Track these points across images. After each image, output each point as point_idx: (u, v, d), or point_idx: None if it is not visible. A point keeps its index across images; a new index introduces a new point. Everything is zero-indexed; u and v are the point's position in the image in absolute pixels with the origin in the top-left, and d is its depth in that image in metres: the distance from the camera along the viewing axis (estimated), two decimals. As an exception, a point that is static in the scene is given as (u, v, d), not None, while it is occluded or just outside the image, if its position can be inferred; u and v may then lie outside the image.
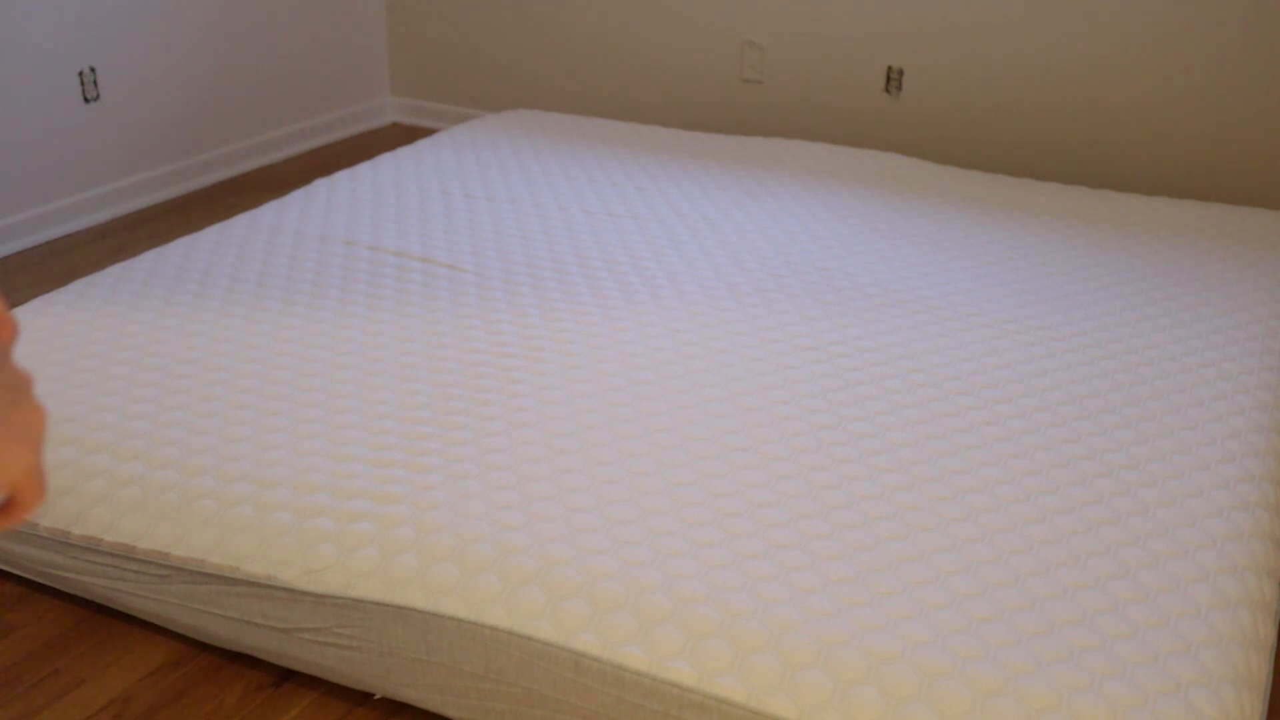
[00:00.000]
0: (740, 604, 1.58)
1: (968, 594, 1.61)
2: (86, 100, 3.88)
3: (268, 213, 2.94)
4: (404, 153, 3.43)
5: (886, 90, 4.10)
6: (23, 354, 2.19)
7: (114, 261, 3.54)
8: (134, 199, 4.13)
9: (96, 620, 2.01)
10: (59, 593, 2.06)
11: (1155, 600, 1.60)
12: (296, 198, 3.05)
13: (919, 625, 1.55)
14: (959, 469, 1.90)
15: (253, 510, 1.81)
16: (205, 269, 2.59)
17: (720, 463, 1.90)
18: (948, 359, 2.25)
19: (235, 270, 2.59)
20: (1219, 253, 2.80)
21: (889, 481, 1.86)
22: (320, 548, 1.74)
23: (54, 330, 2.29)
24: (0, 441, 0.81)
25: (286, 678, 1.89)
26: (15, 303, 3.20)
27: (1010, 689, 1.45)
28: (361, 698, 1.84)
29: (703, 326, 2.36)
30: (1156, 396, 2.13)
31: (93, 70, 3.88)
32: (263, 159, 4.60)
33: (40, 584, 2.07)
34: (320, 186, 3.14)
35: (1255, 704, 1.49)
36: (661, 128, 3.78)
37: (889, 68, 4.07)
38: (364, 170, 3.28)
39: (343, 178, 3.21)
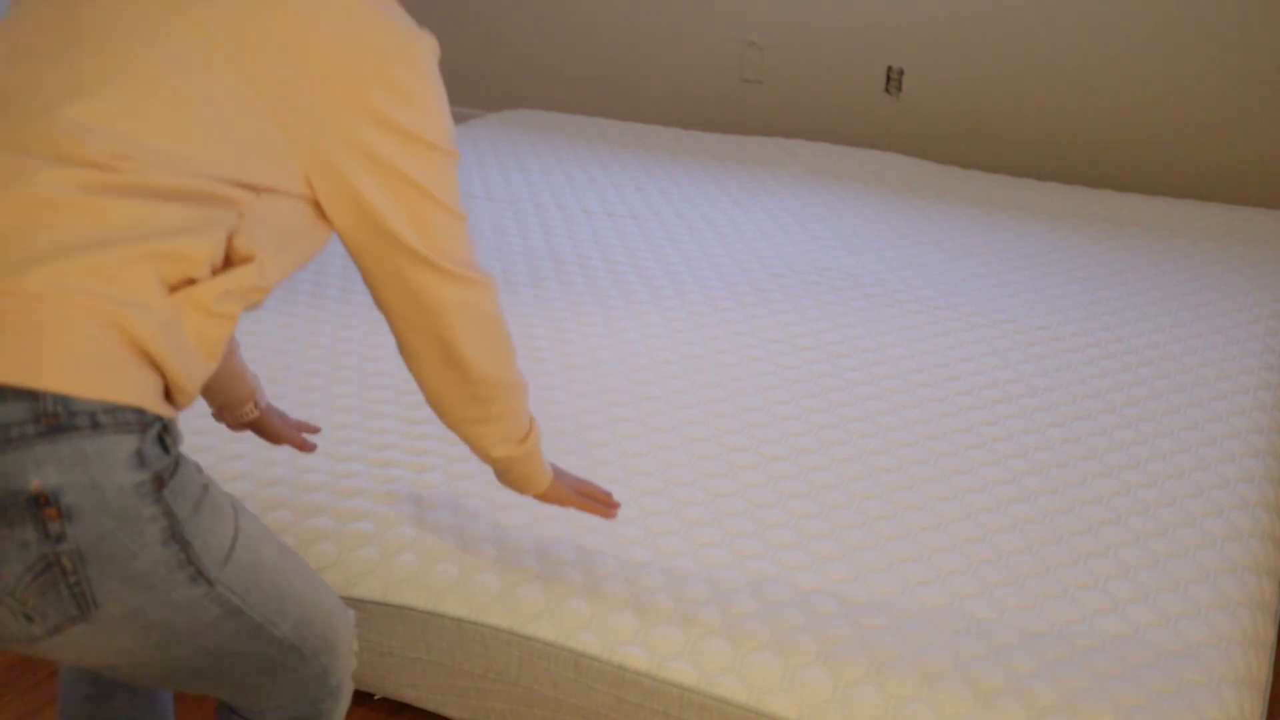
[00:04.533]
0: (741, 604, 1.58)
1: (968, 594, 1.61)
2: (86, 100, 3.88)
3: (268, 212, 2.94)
4: (404, 153, 3.43)
5: (886, 90, 4.10)
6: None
7: (114, 261, 3.53)
8: (134, 199, 4.12)
9: (96, 620, 2.01)
10: (59, 592, 2.06)
11: (1155, 600, 1.60)
12: (296, 197, 3.05)
13: (920, 625, 1.55)
14: (959, 469, 1.90)
15: (252, 509, 1.81)
16: (205, 269, 2.59)
17: (720, 463, 1.90)
18: (948, 359, 2.25)
19: (235, 270, 2.59)
20: (1219, 253, 2.80)
21: (889, 481, 1.86)
22: (320, 546, 1.73)
23: (54, 330, 2.29)
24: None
25: (286, 677, 1.89)
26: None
27: (1011, 689, 1.45)
28: (362, 698, 1.84)
29: (703, 326, 2.36)
30: (1156, 396, 2.13)
31: (92, 70, 3.87)
32: (262, 159, 4.60)
33: (40, 584, 2.07)
34: (320, 186, 3.14)
35: (1255, 704, 1.49)
36: (661, 128, 3.78)
37: (889, 68, 4.07)
38: (364, 170, 3.27)
39: (343, 177, 3.21)
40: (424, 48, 1.07)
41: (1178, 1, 3.62)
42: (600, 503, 1.50)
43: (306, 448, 1.55)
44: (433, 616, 1.65)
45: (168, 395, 1.02)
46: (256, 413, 1.49)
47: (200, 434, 1.98)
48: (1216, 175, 3.73)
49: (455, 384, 1.22)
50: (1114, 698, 1.44)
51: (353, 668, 1.26)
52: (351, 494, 1.82)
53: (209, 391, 1.46)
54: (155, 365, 0.98)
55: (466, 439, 1.29)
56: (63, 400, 0.91)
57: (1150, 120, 3.76)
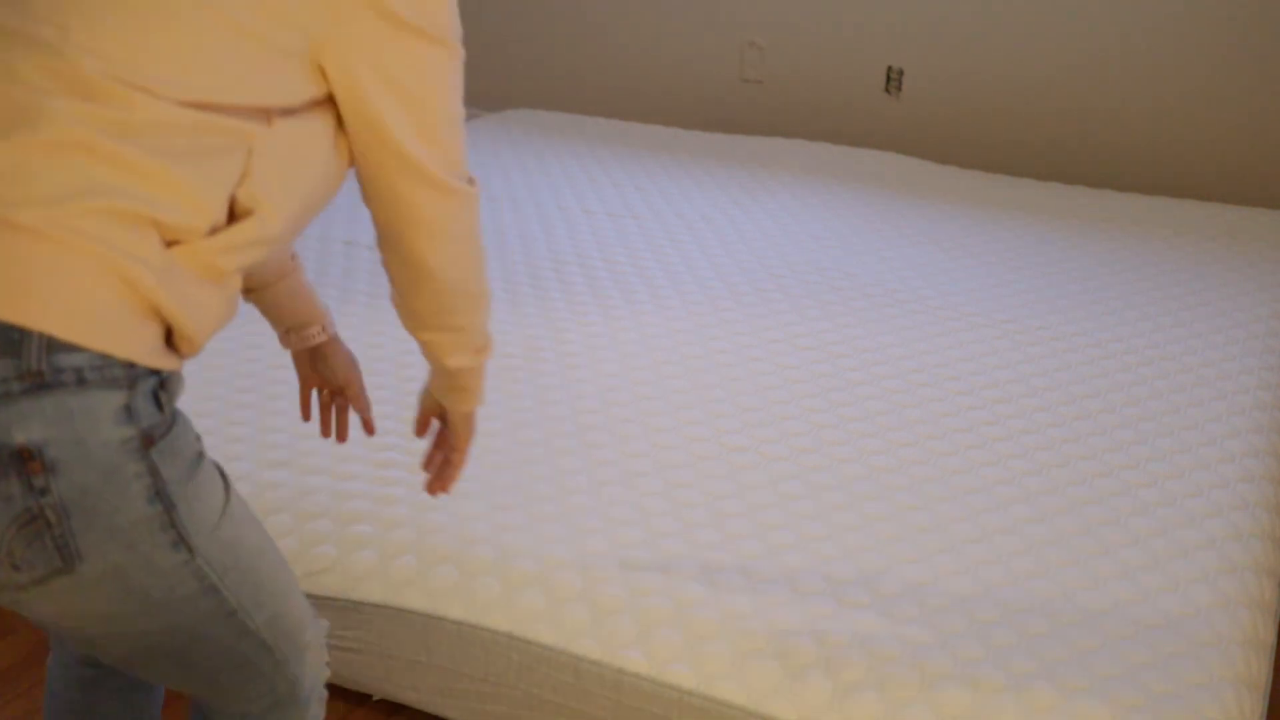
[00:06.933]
0: (740, 606, 1.58)
1: (968, 595, 1.61)
2: (86, 101, 3.87)
3: (267, 213, 2.94)
4: (404, 153, 3.43)
5: (886, 90, 4.10)
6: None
7: (114, 262, 3.53)
8: (134, 199, 4.11)
9: (96, 622, 2.01)
10: (59, 594, 2.06)
11: (1155, 601, 1.60)
12: (296, 198, 3.05)
13: (920, 627, 1.55)
14: (959, 469, 1.90)
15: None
16: (205, 270, 2.59)
17: (720, 463, 1.90)
18: (948, 359, 2.25)
19: (235, 271, 2.58)
20: (1219, 253, 2.80)
21: (889, 482, 1.86)
22: (320, 549, 1.73)
23: (54, 331, 2.28)
24: None
25: (286, 679, 1.89)
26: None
27: (1011, 690, 1.45)
28: (361, 698, 1.84)
29: (703, 326, 2.36)
30: (1156, 396, 2.13)
31: (92, 71, 3.86)
32: (262, 159, 4.59)
33: (40, 585, 2.07)
34: (320, 187, 3.14)
35: (1255, 704, 1.49)
36: (661, 127, 3.78)
37: (889, 68, 4.07)
38: (364, 171, 3.27)
39: (342, 178, 3.21)
40: None
41: (1178, 2, 3.62)
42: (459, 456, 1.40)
43: (366, 413, 1.48)
44: (433, 619, 1.65)
45: (171, 345, 1.02)
46: (324, 336, 1.42)
47: (200, 435, 1.98)
48: (1216, 175, 3.72)
49: (424, 291, 1.20)
50: (1113, 698, 1.44)
51: (324, 679, 1.25)
52: (351, 496, 1.82)
53: (275, 311, 1.39)
54: (157, 315, 0.98)
55: (424, 344, 1.27)
56: (47, 357, 0.91)
57: (1150, 120, 3.76)
